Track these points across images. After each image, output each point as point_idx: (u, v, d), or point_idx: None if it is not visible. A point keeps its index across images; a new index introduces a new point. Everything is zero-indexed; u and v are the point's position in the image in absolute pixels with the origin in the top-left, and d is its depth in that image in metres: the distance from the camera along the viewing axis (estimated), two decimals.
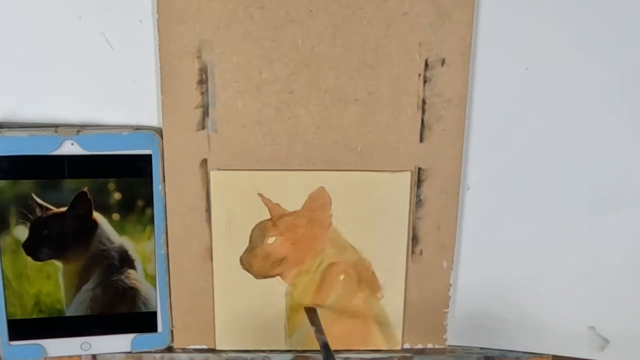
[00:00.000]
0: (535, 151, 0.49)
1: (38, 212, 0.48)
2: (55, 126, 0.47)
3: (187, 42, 0.46)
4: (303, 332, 0.52)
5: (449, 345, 0.54)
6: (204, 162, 0.48)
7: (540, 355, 0.54)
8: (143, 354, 0.52)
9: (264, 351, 0.53)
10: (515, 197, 0.50)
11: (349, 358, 0.53)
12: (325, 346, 0.47)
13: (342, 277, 0.50)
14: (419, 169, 0.49)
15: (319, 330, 0.49)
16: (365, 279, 0.51)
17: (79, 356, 0.51)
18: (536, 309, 0.53)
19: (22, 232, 0.48)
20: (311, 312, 0.51)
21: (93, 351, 0.51)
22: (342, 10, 0.46)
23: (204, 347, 0.53)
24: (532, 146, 0.49)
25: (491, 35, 0.47)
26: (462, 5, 0.46)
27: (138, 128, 0.48)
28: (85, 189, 0.48)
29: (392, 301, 0.52)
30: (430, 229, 0.51)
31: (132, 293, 0.50)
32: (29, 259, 0.48)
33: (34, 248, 0.48)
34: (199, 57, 0.46)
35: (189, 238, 0.50)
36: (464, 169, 0.50)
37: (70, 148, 0.47)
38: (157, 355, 0.52)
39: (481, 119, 0.49)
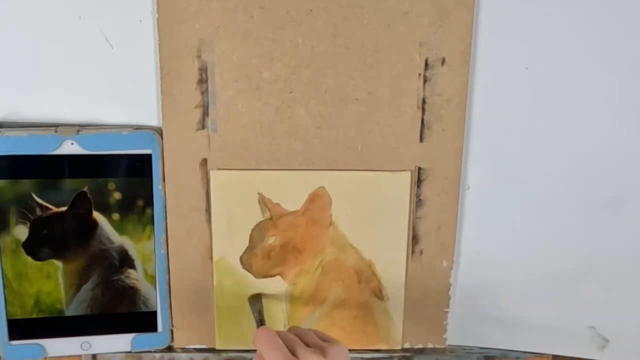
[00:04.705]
0: (535, 151, 0.49)
1: (38, 212, 0.48)
2: (55, 126, 0.47)
3: (187, 42, 0.46)
4: None
5: (449, 345, 0.54)
6: (204, 162, 0.48)
7: (540, 355, 0.54)
8: (143, 354, 0.52)
9: None
10: (515, 197, 0.50)
11: None
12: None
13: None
14: (419, 168, 0.49)
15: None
16: (365, 279, 0.51)
17: (79, 356, 0.51)
18: (536, 309, 0.53)
19: (22, 232, 0.48)
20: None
21: (93, 351, 0.51)
22: (342, 10, 0.46)
23: (204, 347, 0.53)
24: (532, 146, 0.49)
25: (491, 35, 0.47)
26: (462, 5, 0.46)
27: (138, 128, 0.48)
28: (85, 189, 0.48)
29: (392, 301, 0.52)
30: (430, 229, 0.50)
31: (132, 293, 0.50)
32: (29, 258, 0.48)
33: (34, 248, 0.48)
34: (199, 56, 0.46)
35: (189, 238, 0.50)
36: (464, 169, 0.50)
37: (70, 148, 0.47)
38: (157, 355, 0.52)
39: (481, 119, 0.49)
